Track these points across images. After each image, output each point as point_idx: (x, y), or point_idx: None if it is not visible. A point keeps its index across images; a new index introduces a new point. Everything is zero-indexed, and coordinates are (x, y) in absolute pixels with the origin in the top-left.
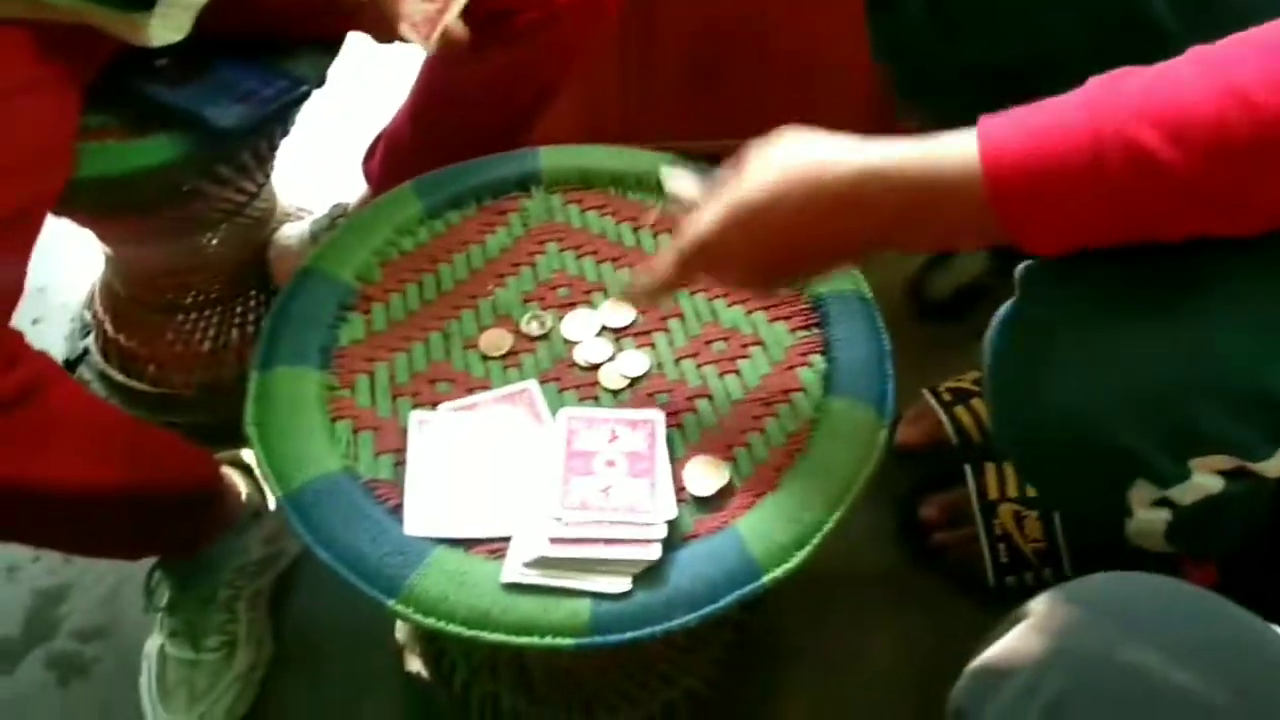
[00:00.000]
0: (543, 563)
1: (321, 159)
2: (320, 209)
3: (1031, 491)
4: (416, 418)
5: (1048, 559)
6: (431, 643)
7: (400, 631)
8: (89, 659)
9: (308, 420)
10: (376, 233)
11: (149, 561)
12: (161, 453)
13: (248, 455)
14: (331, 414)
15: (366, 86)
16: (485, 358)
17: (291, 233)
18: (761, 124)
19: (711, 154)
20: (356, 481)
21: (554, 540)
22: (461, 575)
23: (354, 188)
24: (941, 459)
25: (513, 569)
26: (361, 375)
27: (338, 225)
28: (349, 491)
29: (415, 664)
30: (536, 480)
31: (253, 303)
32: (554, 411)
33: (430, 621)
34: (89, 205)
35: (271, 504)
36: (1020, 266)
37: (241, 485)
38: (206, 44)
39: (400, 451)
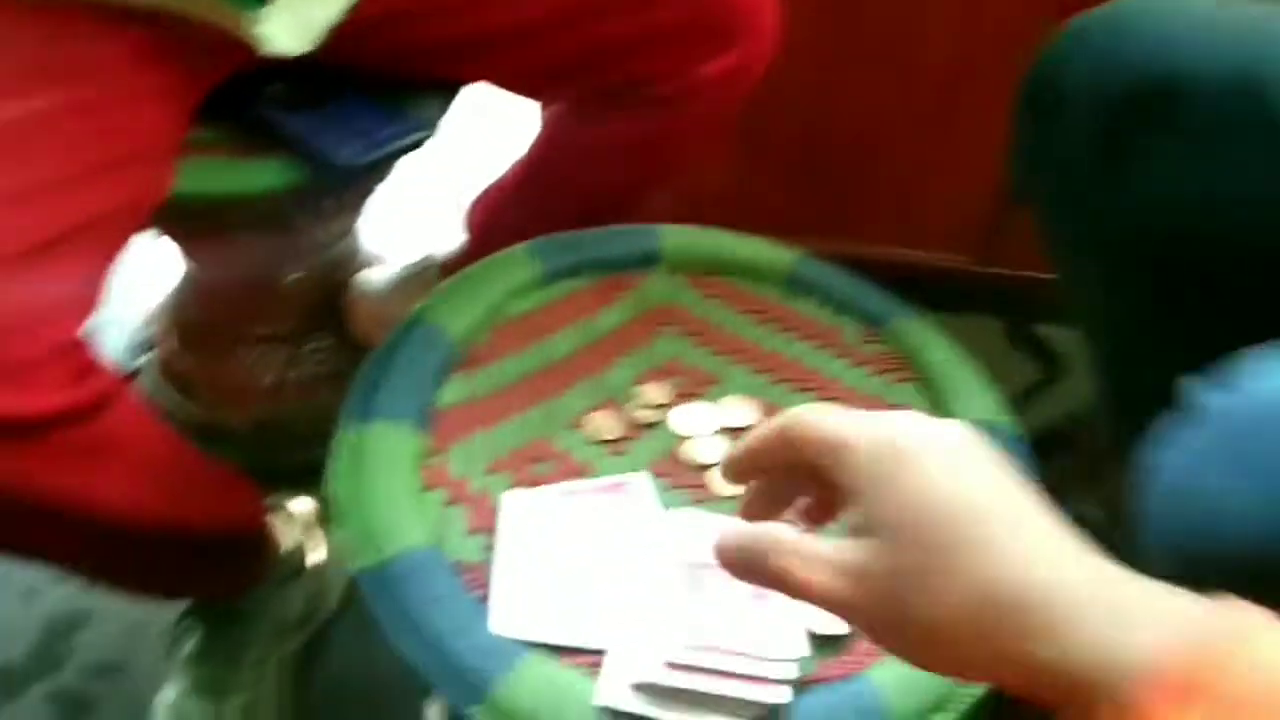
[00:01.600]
0: (651, 690)
1: (408, 208)
2: (402, 258)
3: None
4: (510, 499)
5: None
6: None
7: (433, 713)
8: (94, 697)
9: (399, 485)
10: (489, 291)
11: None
12: (215, 488)
13: (294, 504)
14: (424, 481)
15: (463, 139)
16: (589, 441)
17: (373, 279)
18: (862, 231)
19: (810, 253)
20: (444, 561)
21: (667, 665)
22: (553, 689)
23: (440, 242)
24: None
25: (612, 691)
26: (459, 442)
27: (423, 278)
28: (435, 572)
29: None
30: (641, 588)
31: (321, 344)
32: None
33: None
34: (181, 221)
35: (309, 561)
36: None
37: (284, 536)
38: (325, 74)
39: (493, 533)
